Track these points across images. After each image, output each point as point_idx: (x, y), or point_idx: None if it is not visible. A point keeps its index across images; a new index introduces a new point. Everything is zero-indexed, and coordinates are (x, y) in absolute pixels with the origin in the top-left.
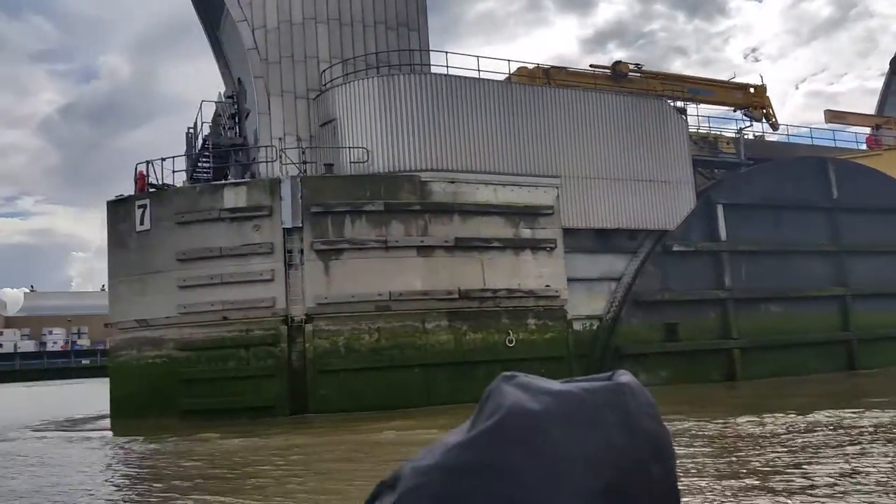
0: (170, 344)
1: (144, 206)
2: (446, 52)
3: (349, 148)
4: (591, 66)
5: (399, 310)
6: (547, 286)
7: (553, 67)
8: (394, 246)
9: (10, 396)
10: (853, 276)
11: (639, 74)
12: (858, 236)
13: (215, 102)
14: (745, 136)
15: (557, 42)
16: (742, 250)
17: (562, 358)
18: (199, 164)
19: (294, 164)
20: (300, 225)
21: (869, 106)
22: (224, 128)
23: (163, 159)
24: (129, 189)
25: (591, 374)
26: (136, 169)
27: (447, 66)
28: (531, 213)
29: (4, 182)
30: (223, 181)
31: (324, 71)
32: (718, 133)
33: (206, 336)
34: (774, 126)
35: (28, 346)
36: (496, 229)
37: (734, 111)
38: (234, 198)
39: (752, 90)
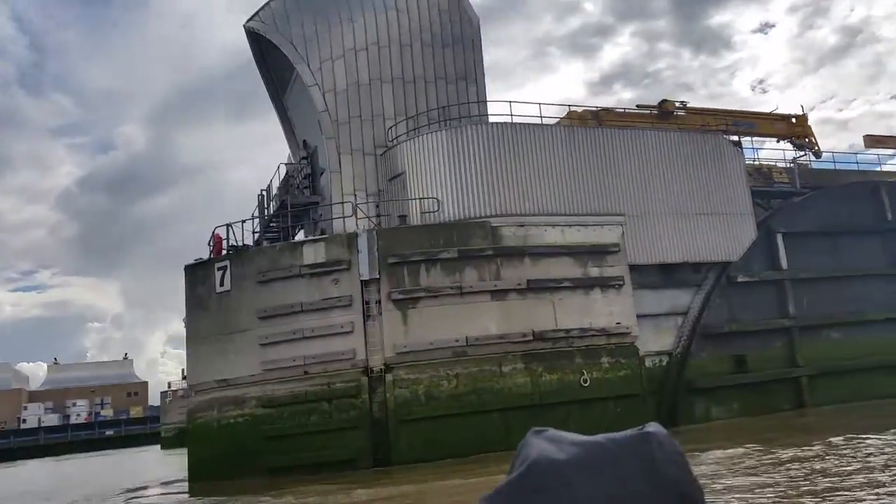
0: (252, 402)
1: (224, 268)
2: (509, 102)
3: (419, 199)
4: (637, 106)
5: (476, 355)
6: (618, 323)
7: (602, 110)
8: (468, 291)
9: (43, 472)
10: None
11: (683, 112)
12: None
13: (285, 164)
14: (799, 164)
15: (564, 86)
16: (803, 278)
17: (637, 395)
18: (269, 225)
19: (367, 217)
20: (377, 276)
21: (880, 129)
22: (299, 187)
23: (242, 221)
24: (143, 254)
25: (665, 410)
26: (212, 233)
27: (511, 115)
28: (598, 252)
29: (23, 257)
30: (302, 239)
31: (390, 128)
32: (772, 164)
33: (289, 391)
34: (817, 154)
35: (52, 419)
36: (565, 269)
37: (777, 142)
38: (313, 254)
39: (793, 120)
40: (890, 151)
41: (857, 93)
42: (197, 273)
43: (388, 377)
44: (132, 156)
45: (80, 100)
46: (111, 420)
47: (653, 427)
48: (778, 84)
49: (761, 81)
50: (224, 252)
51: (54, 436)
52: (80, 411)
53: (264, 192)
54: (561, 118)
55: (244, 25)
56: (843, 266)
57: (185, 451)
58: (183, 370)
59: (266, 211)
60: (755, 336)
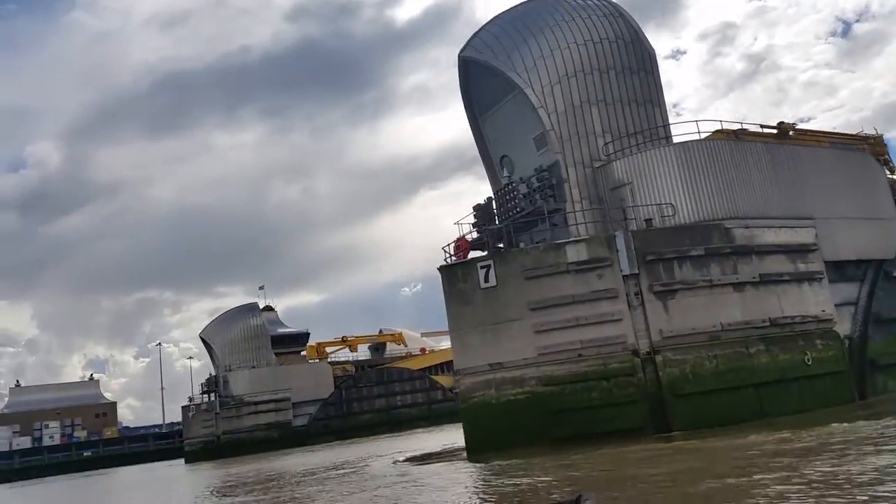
0: (532, 381)
1: (488, 267)
2: (696, 121)
3: (657, 205)
4: (761, 126)
5: (727, 338)
6: (823, 311)
7: (740, 129)
8: (716, 284)
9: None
10: None
11: (792, 132)
12: None
13: (506, 179)
14: None
15: None
16: None
17: (843, 372)
18: (484, 229)
19: (604, 221)
20: (637, 272)
21: None
22: (543, 196)
23: (474, 226)
24: (59, 276)
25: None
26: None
27: (698, 133)
28: (802, 250)
29: None
30: (562, 241)
31: (605, 144)
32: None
33: (567, 371)
34: (892, 170)
35: (25, 442)
36: (782, 265)
37: None
38: (575, 253)
39: (872, 141)
40: None
41: (764, 116)
42: (456, 272)
43: (658, 358)
44: (45, 174)
45: None
46: (87, 441)
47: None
48: (692, 108)
49: (675, 105)
50: (467, 254)
51: (29, 459)
52: (52, 433)
53: (487, 200)
54: (712, 133)
55: (459, 55)
56: None
57: (212, 463)
58: (203, 384)
59: (487, 219)
60: None
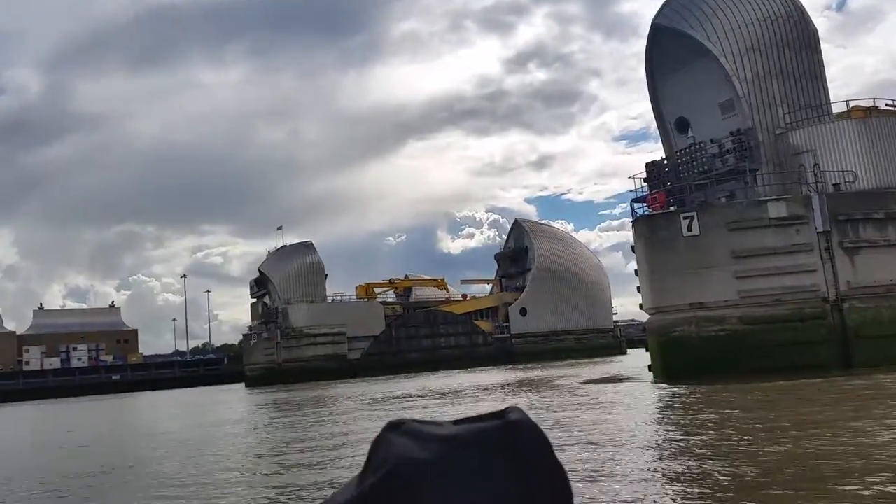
0: (733, 320)
1: (691, 218)
2: (846, 101)
3: (841, 171)
4: (886, 103)
5: None
6: None
7: (873, 107)
8: (894, 244)
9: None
10: None
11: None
12: None
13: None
14: None
15: (481, 61)
16: None
17: None
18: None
19: (789, 184)
20: (829, 229)
21: None
22: (738, 158)
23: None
24: (39, 205)
25: None
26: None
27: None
28: None
29: None
30: (766, 198)
31: (785, 114)
32: None
33: (766, 313)
34: None
35: (55, 363)
36: None
37: None
38: (776, 210)
39: None
40: None
41: None
42: (658, 221)
43: (845, 306)
44: (24, 101)
45: None
46: (116, 365)
47: (514, 414)
48: None
49: None
50: (665, 205)
51: (59, 379)
52: (80, 356)
53: (659, 161)
54: (851, 109)
55: (654, 22)
56: None
57: (273, 388)
58: (260, 309)
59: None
60: None
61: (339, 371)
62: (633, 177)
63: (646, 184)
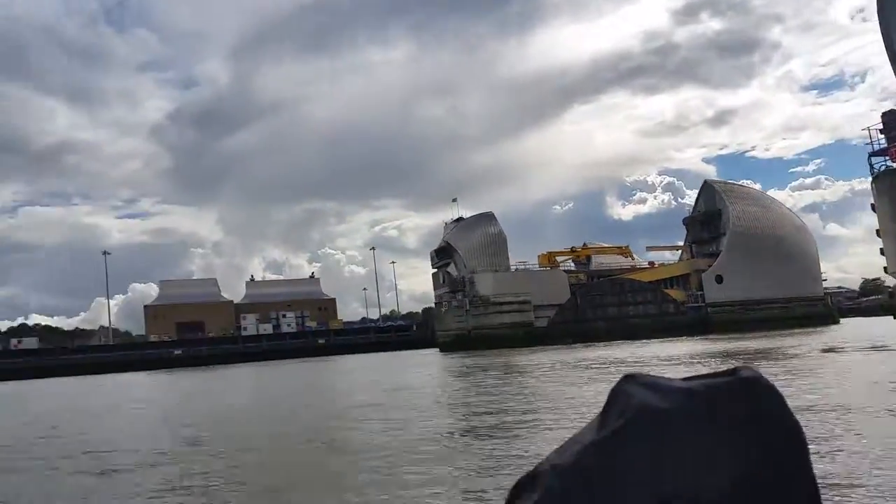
0: None
1: None
2: None
3: None
4: None
5: None
6: None
7: None
8: None
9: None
10: None
11: None
12: None
13: None
14: None
15: (647, 15)
16: None
17: None
18: None
19: None
20: None
21: None
22: None
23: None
24: (234, 187)
25: None
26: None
27: None
28: None
29: (123, 186)
30: None
31: None
32: None
33: None
34: None
35: (267, 328)
36: None
37: None
38: None
39: None
40: None
41: None
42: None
43: None
44: (215, 92)
45: (162, 35)
46: (320, 330)
47: (747, 372)
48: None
49: (861, 10)
50: None
51: (271, 343)
52: (289, 322)
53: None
54: None
55: None
56: None
57: (468, 353)
58: (442, 279)
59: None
60: None
61: (525, 338)
62: (868, 128)
63: (882, 135)
